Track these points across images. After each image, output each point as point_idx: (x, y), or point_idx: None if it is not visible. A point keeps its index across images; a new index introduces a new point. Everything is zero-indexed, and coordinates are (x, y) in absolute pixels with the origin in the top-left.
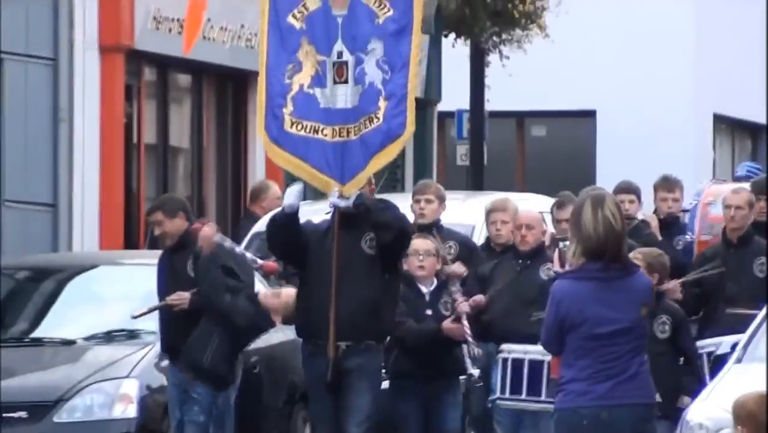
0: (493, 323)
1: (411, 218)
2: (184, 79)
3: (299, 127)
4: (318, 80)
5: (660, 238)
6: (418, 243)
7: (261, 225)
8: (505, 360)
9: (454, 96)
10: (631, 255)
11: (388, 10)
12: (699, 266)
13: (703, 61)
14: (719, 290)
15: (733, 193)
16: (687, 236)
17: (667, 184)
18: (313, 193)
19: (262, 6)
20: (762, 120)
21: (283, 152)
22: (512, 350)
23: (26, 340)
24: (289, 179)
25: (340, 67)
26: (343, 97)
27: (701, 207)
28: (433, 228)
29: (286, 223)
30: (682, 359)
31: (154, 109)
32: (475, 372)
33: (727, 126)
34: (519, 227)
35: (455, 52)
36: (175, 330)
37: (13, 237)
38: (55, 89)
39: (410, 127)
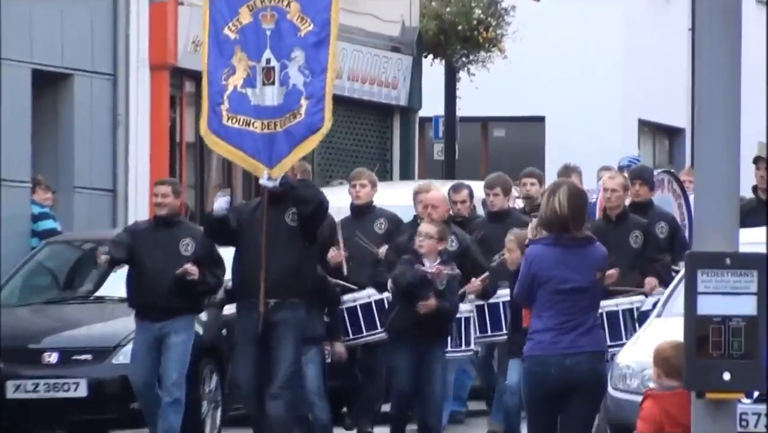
0: None
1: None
2: None
3: (234, 120)
4: (249, 82)
5: None
6: (422, 227)
7: None
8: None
9: (432, 104)
10: (507, 237)
11: (309, 25)
12: None
13: (629, 76)
14: None
15: (609, 178)
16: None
17: (565, 171)
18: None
19: (203, 21)
20: (677, 124)
21: (221, 141)
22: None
23: (91, 298)
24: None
25: (268, 71)
26: (271, 96)
27: (601, 192)
28: (367, 208)
29: (218, 223)
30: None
31: (193, 115)
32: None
33: (649, 129)
34: (426, 206)
35: (433, 69)
36: (152, 291)
37: (81, 216)
38: (114, 99)
39: (327, 123)
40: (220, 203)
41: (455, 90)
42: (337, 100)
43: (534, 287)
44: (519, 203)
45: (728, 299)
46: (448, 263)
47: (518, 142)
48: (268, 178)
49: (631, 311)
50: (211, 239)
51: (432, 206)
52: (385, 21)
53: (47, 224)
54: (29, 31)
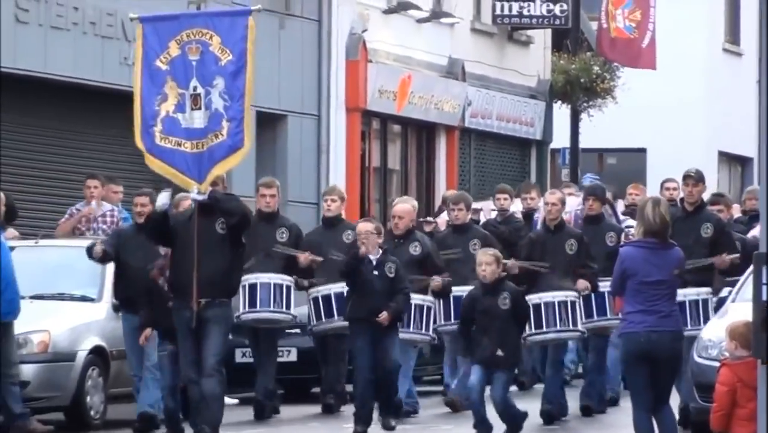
0: None
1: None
2: (396, 128)
3: (166, 141)
4: (180, 107)
5: (524, 223)
6: (359, 227)
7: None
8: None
9: (560, 138)
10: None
11: (228, 55)
12: (528, 246)
13: (710, 117)
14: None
15: (549, 193)
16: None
17: (526, 187)
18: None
19: (136, 53)
20: (748, 154)
21: (155, 159)
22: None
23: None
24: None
25: (195, 98)
26: (199, 119)
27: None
28: (337, 220)
29: (159, 219)
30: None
31: (379, 146)
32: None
33: (726, 158)
34: (393, 217)
35: (561, 112)
36: (134, 286)
37: None
38: (318, 134)
39: (247, 143)
40: (162, 199)
41: (578, 127)
42: (488, 135)
43: (624, 279)
44: (493, 215)
45: None
46: (389, 252)
47: (626, 167)
48: (197, 192)
49: (696, 301)
50: (150, 238)
51: (399, 217)
52: (524, 75)
53: None
54: (256, 81)
